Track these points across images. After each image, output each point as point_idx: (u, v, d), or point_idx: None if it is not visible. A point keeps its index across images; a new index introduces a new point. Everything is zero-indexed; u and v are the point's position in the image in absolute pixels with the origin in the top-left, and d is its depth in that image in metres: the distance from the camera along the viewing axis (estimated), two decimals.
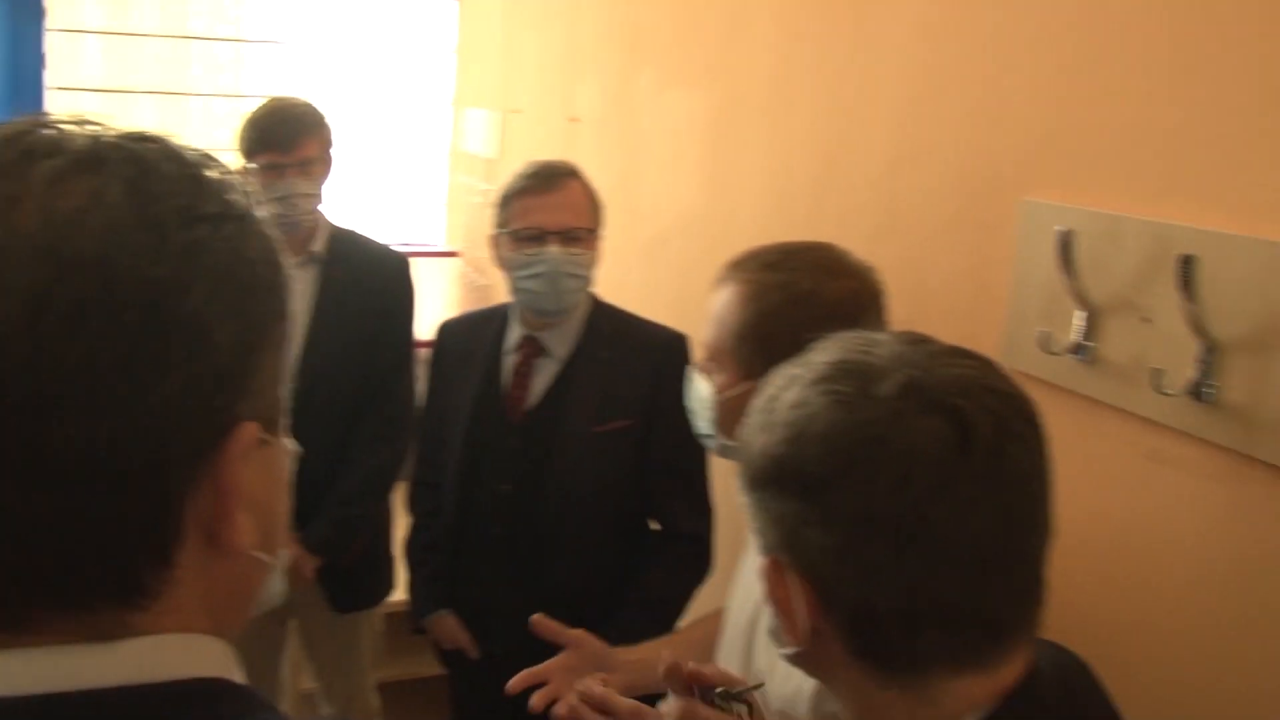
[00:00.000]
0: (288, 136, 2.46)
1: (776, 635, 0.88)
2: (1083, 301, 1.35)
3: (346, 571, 2.62)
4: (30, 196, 0.52)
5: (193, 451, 0.55)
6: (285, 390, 0.63)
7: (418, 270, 2.71)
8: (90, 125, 0.57)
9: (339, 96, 2.62)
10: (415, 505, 2.37)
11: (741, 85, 2.31)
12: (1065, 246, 1.35)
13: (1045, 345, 1.40)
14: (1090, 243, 1.34)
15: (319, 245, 2.57)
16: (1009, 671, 0.80)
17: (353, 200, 2.73)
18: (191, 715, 0.56)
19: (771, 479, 0.81)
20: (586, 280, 2.08)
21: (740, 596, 1.52)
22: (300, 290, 2.54)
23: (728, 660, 1.52)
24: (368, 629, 2.81)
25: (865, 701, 0.83)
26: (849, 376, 0.80)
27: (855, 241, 1.86)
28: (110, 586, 0.54)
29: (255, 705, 0.59)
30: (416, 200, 4.61)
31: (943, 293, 1.55)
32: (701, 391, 1.48)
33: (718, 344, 1.42)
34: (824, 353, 0.84)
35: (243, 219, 0.59)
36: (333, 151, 2.56)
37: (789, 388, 0.83)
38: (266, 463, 0.62)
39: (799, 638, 0.82)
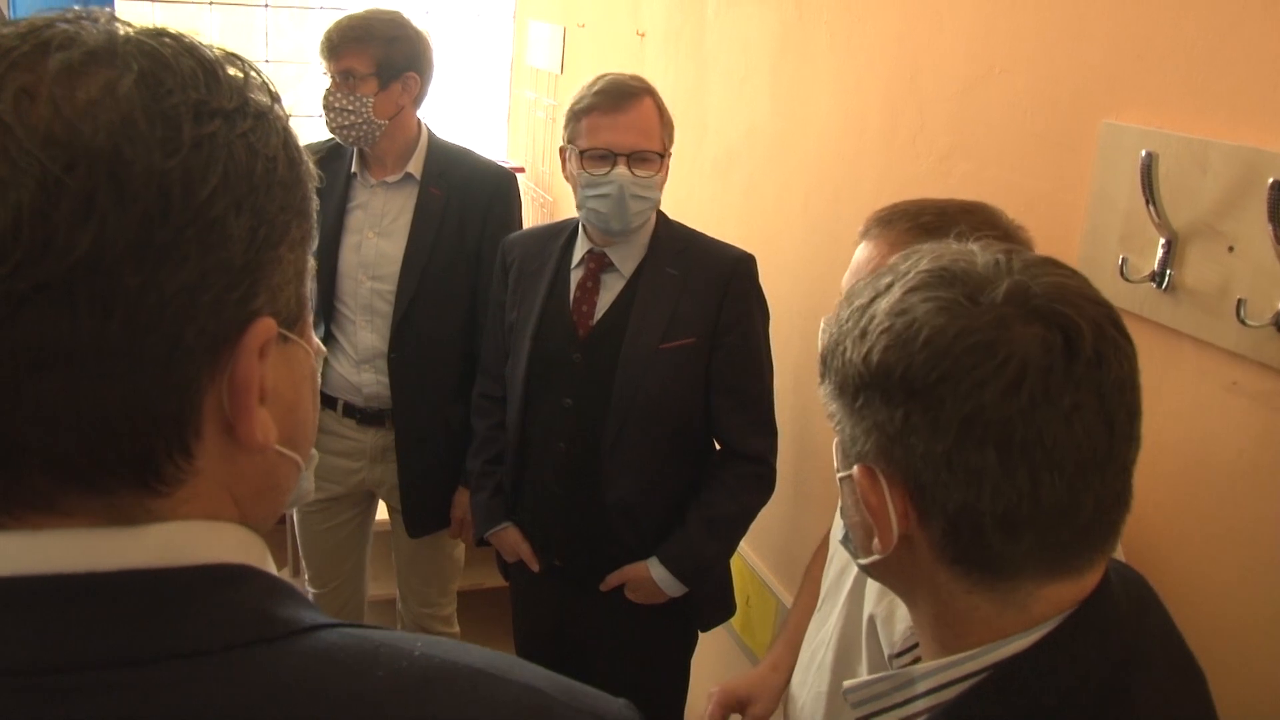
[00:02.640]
0: (333, 45, 2.48)
1: (855, 544, 0.90)
2: (1164, 228, 1.31)
3: (421, 497, 2.69)
4: (44, 88, 0.53)
5: (208, 344, 0.56)
6: (309, 290, 0.64)
7: None
8: (110, 22, 0.57)
9: (401, 11, 2.62)
10: (479, 419, 2.40)
11: None
12: (1148, 171, 1.31)
13: (1123, 272, 1.37)
14: (1174, 167, 1.30)
15: (414, 165, 2.56)
16: (1091, 577, 0.82)
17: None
18: (212, 599, 0.57)
19: (871, 385, 0.81)
20: (653, 202, 2.07)
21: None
22: (395, 210, 2.56)
23: (836, 591, 1.52)
24: (450, 540, 2.87)
25: (947, 609, 0.84)
26: (952, 283, 0.80)
27: (928, 160, 1.83)
28: (128, 473, 0.56)
29: (279, 591, 0.60)
30: (479, 115, 4.58)
31: (1017, 215, 1.52)
32: None
33: None
34: (917, 261, 0.84)
35: (262, 116, 0.59)
36: (403, 76, 2.51)
37: (882, 296, 0.83)
38: (289, 360, 0.63)
39: (887, 545, 0.83)
